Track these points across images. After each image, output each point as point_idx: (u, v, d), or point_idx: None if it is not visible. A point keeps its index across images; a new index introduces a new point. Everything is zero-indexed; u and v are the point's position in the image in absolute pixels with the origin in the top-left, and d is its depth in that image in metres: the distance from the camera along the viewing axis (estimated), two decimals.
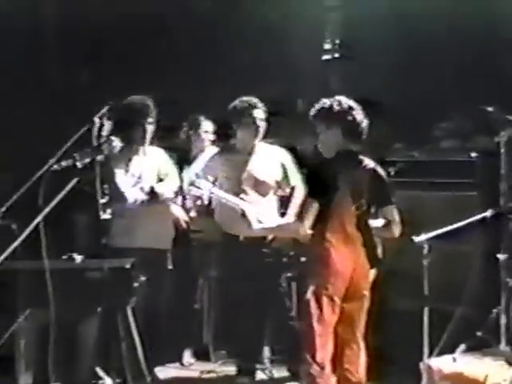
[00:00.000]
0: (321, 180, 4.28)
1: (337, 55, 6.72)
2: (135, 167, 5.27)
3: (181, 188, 5.46)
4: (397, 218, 4.45)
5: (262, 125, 5.27)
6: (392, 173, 5.84)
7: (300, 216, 4.28)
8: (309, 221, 4.23)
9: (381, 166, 4.59)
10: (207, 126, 5.86)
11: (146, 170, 5.29)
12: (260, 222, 4.78)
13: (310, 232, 4.28)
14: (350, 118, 4.33)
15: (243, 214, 4.65)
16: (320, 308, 4.24)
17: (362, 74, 6.48)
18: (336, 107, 4.34)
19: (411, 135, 6.42)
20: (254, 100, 5.25)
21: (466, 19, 6.31)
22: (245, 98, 5.27)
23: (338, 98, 4.39)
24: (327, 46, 6.77)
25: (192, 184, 5.09)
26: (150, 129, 5.26)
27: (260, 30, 6.76)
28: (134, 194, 5.20)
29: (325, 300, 4.24)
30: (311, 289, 4.26)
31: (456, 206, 5.76)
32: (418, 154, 6.25)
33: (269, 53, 6.73)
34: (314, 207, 4.21)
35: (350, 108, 4.34)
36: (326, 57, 6.75)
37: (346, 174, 4.30)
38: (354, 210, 4.32)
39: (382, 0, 6.68)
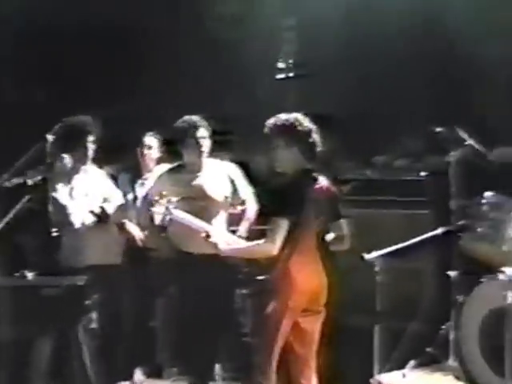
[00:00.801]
0: (288, 198, 4.32)
1: (292, 74, 6.79)
2: (79, 187, 5.27)
3: (128, 207, 5.48)
4: (347, 231, 4.52)
5: (206, 143, 5.29)
6: (345, 191, 5.92)
7: (269, 235, 4.31)
8: (279, 240, 4.27)
9: (334, 184, 4.66)
10: (151, 142, 5.87)
11: (90, 190, 5.30)
12: (227, 241, 4.75)
13: (277, 250, 4.31)
14: (309, 139, 4.39)
15: (207, 236, 4.64)
16: (279, 324, 4.27)
17: (317, 93, 6.56)
18: (298, 127, 4.40)
19: (364, 154, 6.52)
20: (196, 119, 5.28)
21: (421, 40, 6.45)
22: (186, 118, 5.30)
23: (298, 116, 4.44)
24: (282, 65, 6.83)
25: (153, 205, 5.07)
26: (92, 148, 5.27)
27: (216, 49, 6.82)
28: (81, 217, 5.20)
29: (285, 316, 4.28)
30: (272, 305, 4.29)
31: (408, 224, 5.85)
32: (371, 173, 6.35)
33: (224, 71, 6.78)
34: (284, 226, 4.26)
35: (310, 129, 4.41)
36: (280, 75, 6.82)
37: (307, 192, 4.37)
38: (315, 227, 4.38)
39: (338, 20, 6.79)
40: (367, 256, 5.11)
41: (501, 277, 4.94)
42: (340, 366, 5.02)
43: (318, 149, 4.43)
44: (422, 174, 6.07)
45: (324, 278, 4.40)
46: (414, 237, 5.36)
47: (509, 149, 5.81)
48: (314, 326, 4.38)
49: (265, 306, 4.32)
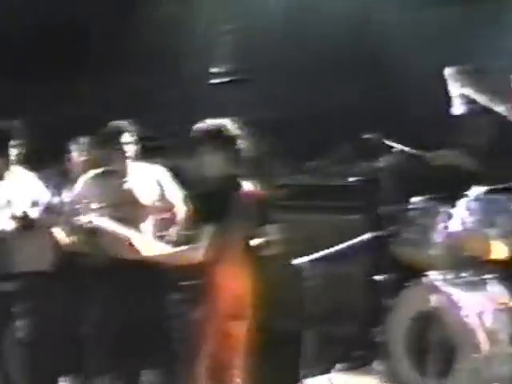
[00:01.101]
0: (213, 204, 4.34)
1: (226, 79, 6.82)
2: (1, 192, 5.21)
3: (60, 211, 5.43)
4: (275, 236, 4.55)
5: (130, 148, 5.31)
6: (279, 196, 5.97)
7: (194, 241, 4.32)
8: (204, 246, 4.28)
9: (266, 189, 4.69)
10: (79, 147, 5.86)
11: (16, 195, 5.24)
12: (152, 247, 4.75)
13: (203, 256, 4.32)
14: (236, 145, 4.42)
15: (130, 243, 4.64)
16: (206, 329, 4.30)
17: (251, 99, 6.60)
18: (224, 132, 4.42)
19: (297, 159, 6.57)
20: (121, 124, 5.30)
21: (355, 47, 6.54)
22: (113, 123, 5.32)
23: (224, 122, 4.47)
24: (217, 70, 6.85)
25: (74, 214, 5.04)
26: (15, 153, 5.23)
27: (151, 53, 6.80)
28: (3, 223, 5.14)
29: (211, 322, 4.30)
30: (199, 310, 4.31)
31: (340, 229, 5.90)
32: (303, 178, 6.40)
33: (160, 76, 6.77)
34: (209, 231, 4.27)
35: (237, 135, 4.44)
36: (216, 80, 6.84)
37: (232, 198, 4.39)
38: (242, 232, 4.41)
39: (274, 26, 6.84)
40: (296, 261, 5.15)
41: (425, 281, 5.04)
42: (267, 371, 5.05)
43: (245, 154, 4.47)
44: (354, 179, 6.15)
45: (250, 284, 4.43)
46: (345, 242, 5.42)
47: (443, 151, 5.87)
48: (240, 331, 4.41)
49: (192, 311, 4.34)
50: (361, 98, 6.38)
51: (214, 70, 6.79)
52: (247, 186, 4.49)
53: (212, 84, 6.76)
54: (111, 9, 6.85)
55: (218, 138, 4.41)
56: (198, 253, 4.29)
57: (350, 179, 6.16)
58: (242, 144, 4.44)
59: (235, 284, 4.35)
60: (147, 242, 4.63)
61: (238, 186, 4.45)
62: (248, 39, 6.77)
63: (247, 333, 4.43)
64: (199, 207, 4.45)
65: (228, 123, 4.46)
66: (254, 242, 4.48)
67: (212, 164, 4.43)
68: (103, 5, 6.83)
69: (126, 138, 5.28)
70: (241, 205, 4.41)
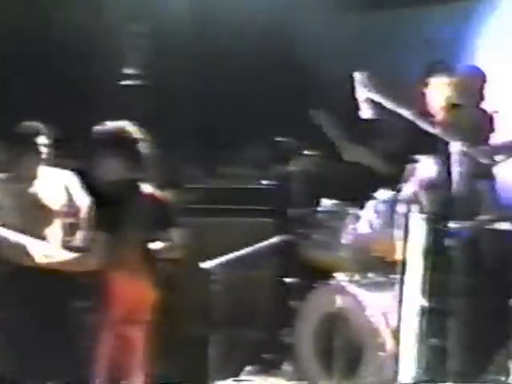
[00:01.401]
0: (106, 209, 4.30)
1: (138, 82, 6.75)
2: None
3: None
4: (178, 239, 4.51)
5: (46, 151, 5.18)
6: (188, 200, 5.94)
7: (88, 248, 4.28)
8: (98, 253, 4.24)
9: (176, 193, 4.66)
10: None
11: None
12: (47, 254, 4.66)
13: (98, 263, 4.28)
14: (135, 148, 4.38)
15: (26, 249, 4.55)
16: (103, 335, 4.26)
17: (162, 102, 6.56)
18: (123, 136, 4.38)
19: (208, 163, 6.56)
20: (37, 125, 5.17)
21: (267, 52, 6.58)
22: (27, 124, 5.18)
23: (124, 125, 4.42)
24: (129, 71, 6.77)
25: None
26: None
27: (62, 53, 6.69)
28: None
29: (107, 328, 4.26)
30: (97, 316, 4.27)
31: (251, 232, 5.90)
32: (215, 182, 6.40)
33: (70, 77, 6.66)
34: (102, 238, 4.23)
35: (137, 139, 4.40)
36: (127, 82, 6.76)
37: (130, 202, 4.35)
38: (140, 236, 4.37)
39: (188, 29, 6.83)
40: (204, 264, 5.13)
41: (332, 282, 5.09)
42: (174, 376, 5.01)
43: (146, 158, 4.42)
44: (265, 182, 6.18)
45: (148, 288, 4.39)
46: (255, 245, 5.43)
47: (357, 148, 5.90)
48: (139, 336, 4.38)
49: (92, 318, 4.31)
50: (273, 100, 6.41)
51: (125, 71, 6.71)
52: (148, 189, 4.45)
53: (123, 86, 6.68)
54: (20, 11, 6.72)
55: (118, 140, 4.37)
56: (91, 260, 4.26)
57: (261, 182, 6.19)
58: (142, 147, 4.39)
59: (131, 288, 4.31)
60: (43, 249, 4.55)
61: (137, 189, 4.40)
62: (160, 42, 6.73)
63: (148, 337, 4.40)
64: (95, 213, 4.41)
65: (128, 126, 4.41)
66: (154, 246, 4.44)
67: (111, 167, 4.38)
68: (12, 7, 6.69)
69: (42, 140, 5.15)
70: (140, 209, 4.37)
